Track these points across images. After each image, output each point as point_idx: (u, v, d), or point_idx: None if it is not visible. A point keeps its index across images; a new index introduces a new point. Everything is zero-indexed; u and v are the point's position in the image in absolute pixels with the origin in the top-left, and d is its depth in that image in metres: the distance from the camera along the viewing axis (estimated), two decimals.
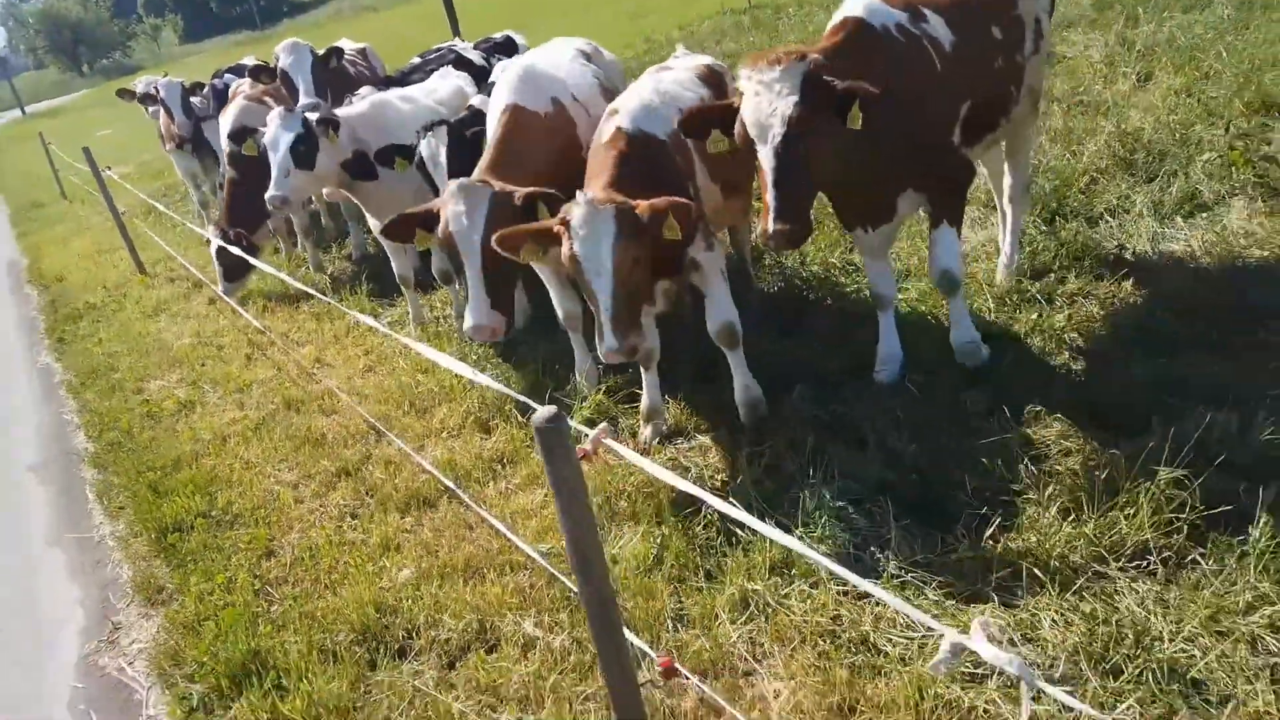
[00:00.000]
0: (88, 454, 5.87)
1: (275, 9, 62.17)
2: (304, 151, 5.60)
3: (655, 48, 15.77)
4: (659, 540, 3.65)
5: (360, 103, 6.04)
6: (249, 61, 9.89)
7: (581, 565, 2.00)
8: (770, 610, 3.21)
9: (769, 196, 3.43)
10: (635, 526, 3.81)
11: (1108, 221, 5.61)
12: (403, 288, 6.34)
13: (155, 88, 9.40)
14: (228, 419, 5.66)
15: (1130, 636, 2.74)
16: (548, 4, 28.39)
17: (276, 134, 5.63)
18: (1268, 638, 2.66)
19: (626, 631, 2.25)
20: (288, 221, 8.47)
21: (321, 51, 7.57)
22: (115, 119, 29.13)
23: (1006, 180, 5.22)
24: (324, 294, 5.39)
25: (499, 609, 3.45)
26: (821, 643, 3.02)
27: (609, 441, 2.34)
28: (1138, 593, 2.90)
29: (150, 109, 9.91)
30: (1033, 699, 2.42)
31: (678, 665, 2.70)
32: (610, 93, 5.14)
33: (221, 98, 9.47)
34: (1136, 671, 2.64)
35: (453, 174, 5.08)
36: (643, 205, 3.50)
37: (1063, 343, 4.48)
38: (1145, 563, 3.01)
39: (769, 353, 4.73)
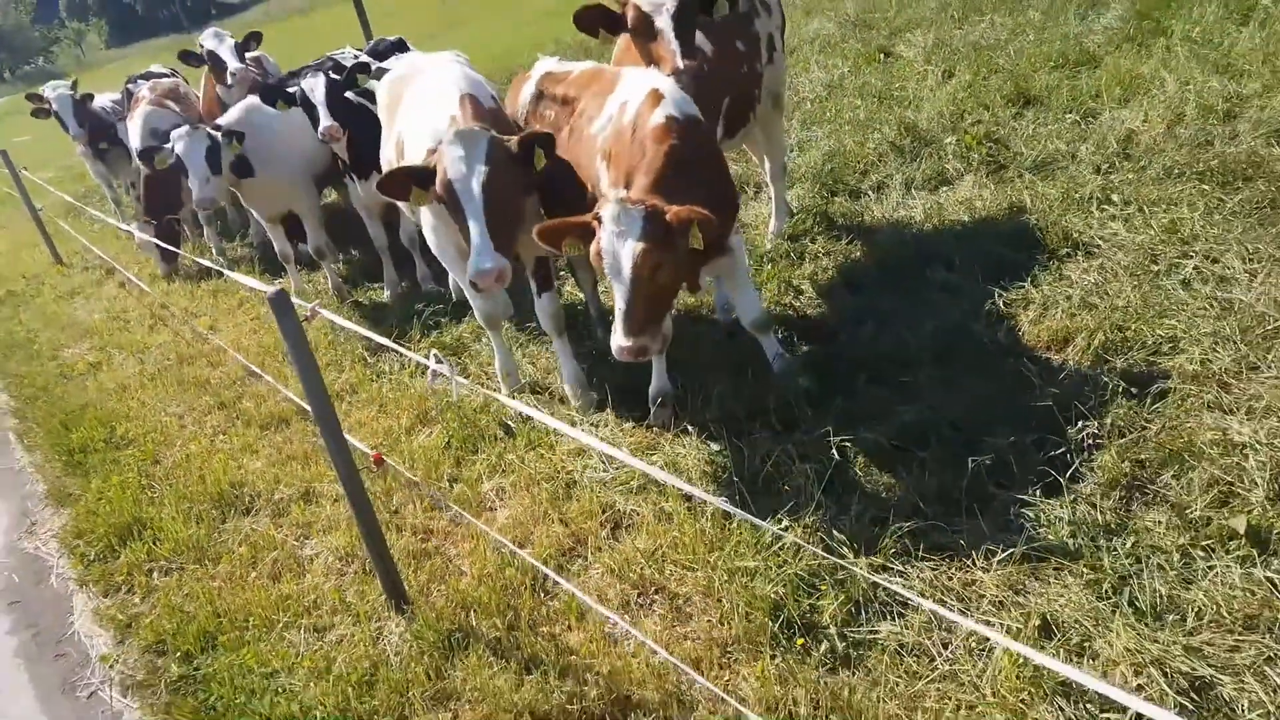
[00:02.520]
0: (9, 408, 7.14)
1: (202, 12, 62.89)
2: (214, 160, 6.87)
3: (562, 49, 17.14)
4: (450, 433, 5.04)
5: (232, 111, 7.41)
6: (157, 69, 11.15)
7: (308, 385, 3.37)
8: (517, 468, 4.62)
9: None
10: (435, 427, 5.20)
11: (868, 196, 7.11)
12: (284, 264, 7.67)
13: (47, 100, 10.51)
14: (129, 373, 6.98)
15: (731, 463, 4.19)
16: (470, 5, 29.80)
17: (188, 148, 6.87)
18: (820, 458, 4.11)
19: (348, 436, 3.63)
20: (192, 211, 9.75)
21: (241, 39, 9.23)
22: (36, 125, 29.91)
23: (766, 165, 6.73)
24: (222, 269, 6.67)
25: (320, 479, 4.83)
26: (546, 484, 4.43)
27: (324, 313, 3.73)
28: (761, 436, 4.34)
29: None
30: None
31: (385, 457, 4.09)
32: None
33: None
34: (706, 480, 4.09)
35: (328, 103, 6.58)
36: (673, 212, 3.66)
37: (791, 287, 5.95)
38: (769, 418, 4.46)
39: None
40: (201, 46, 9.18)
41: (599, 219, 3.73)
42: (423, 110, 5.03)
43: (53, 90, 10.68)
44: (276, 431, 5.59)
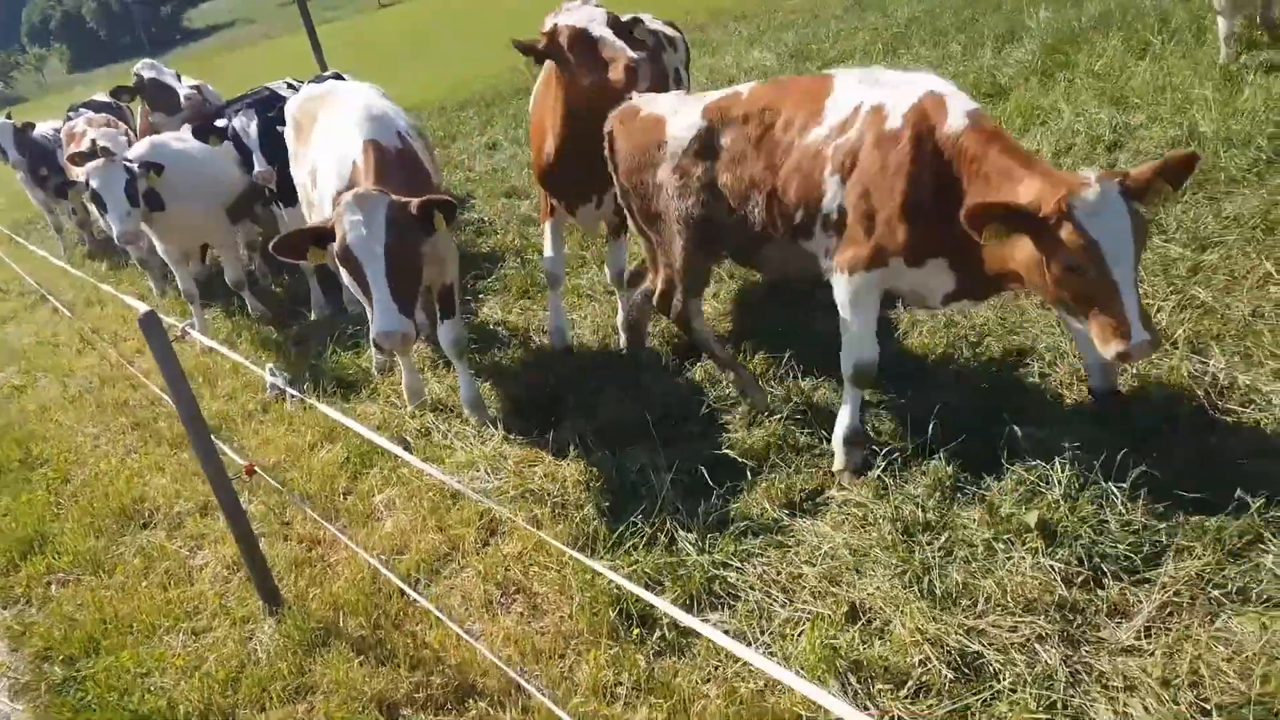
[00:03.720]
0: None
1: (167, 37, 63.19)
2: (132, 192, 6.88)
3: (518, 75, 17.53)
4: (350, 449, 5.32)
5: (139, 145, 7.56)
6: (100, 98, 11.45)
7: (178, 398, 3.65)
8: (405, 480, 4.91)
9: None
10: (338, 444, 5.47)
11: None
12: (189, 303, 7.75)
13: None
14: (52, 395, 7.21)
15: (604, 473, 4.50)
16: (434, 32, 30.35)
17: (104, 182, 6.84)
18: (687, 468, 4.43)
19: (218, 442, 3.91)
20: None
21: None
22: None
23: None
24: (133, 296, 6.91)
25: None
26: (430, 496, 4.72)
27: (193, 333, 4.02)
28: (639, 448, 4.66)
29: None
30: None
31: (257, 468, 4.37)
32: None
33: None
34: None
35: (263, 145, 6.91)
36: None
37: None
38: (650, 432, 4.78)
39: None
40: (139, 77, 9.48)
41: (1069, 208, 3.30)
42: (332, 145, 5.20)
43: None
44: (185, 449, 5.83)
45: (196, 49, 56.77)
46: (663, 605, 2.57)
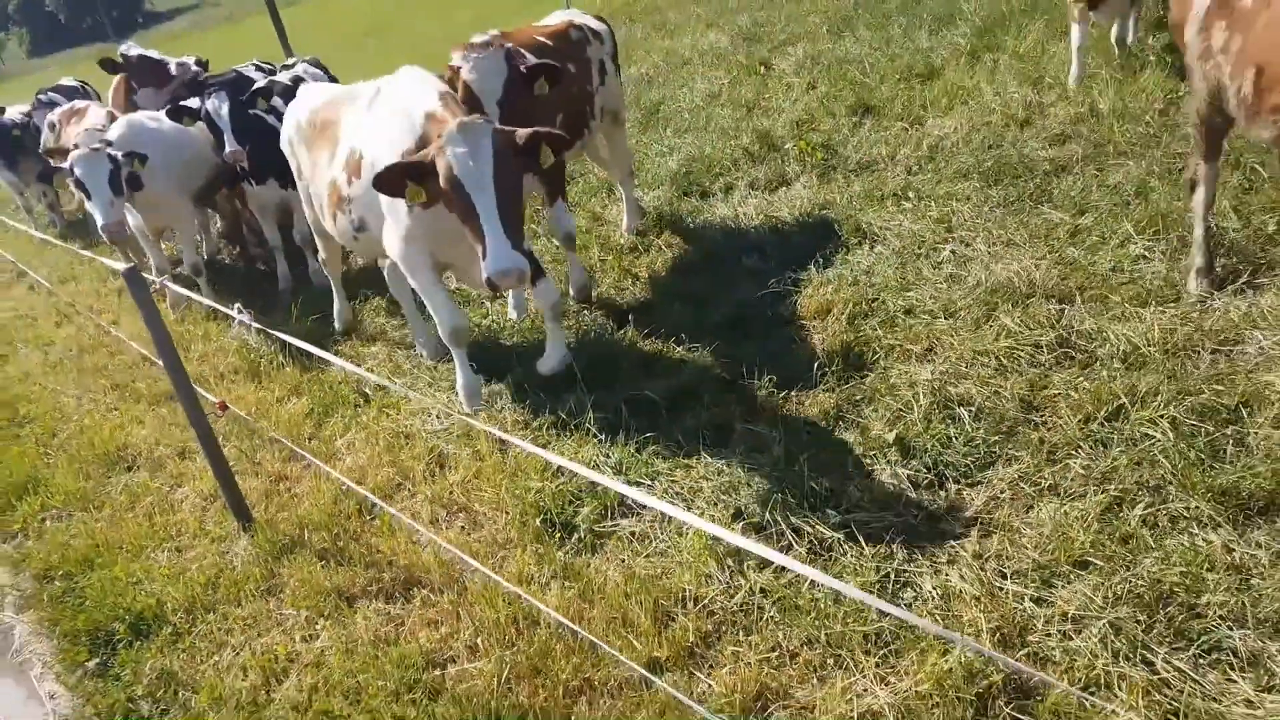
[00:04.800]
0: None
1: (129, 21, 62.86)
2: (116, 182, 7.22)
3: None
4: (314, 401, 5.95)
5: (115, 125, 7.96)
6: (67, 81, 11.94)
7: (161, 349, 4.27)
8: (364, 425, 5.55)
9: None
10: (305, 398, 6.11)
11: (716, 196, 8.16)
12: (158, 276, 8.34)
13: None
14: (34, 363, 7.78)
15: (539, 412, 5.17)
16: (405, 11, 30.70)
17: (89, 172, 7.30)
18: (611, 407, 5.10)
19: (197, 387, 4.53)
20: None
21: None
22: None
23: (616, 171, 7.76)
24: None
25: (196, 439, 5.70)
26: (386, 437, 5.37)
27: (170, 285, 4.64)
28: (569, 394, 5.32)
29: None
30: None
31: (228, 404, 5.01)
32: None
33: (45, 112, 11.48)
34: None
35: (234, 126, 7.45)
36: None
37: (630, 275, 6.96)
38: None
39: None
40: (126, 57, 9.97)
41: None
42: (381, 117, 5.24)
43: None
44: (164, 405, 6.45)
45: (160, 31, 56.49)
46: (605, 481, 3.20)
